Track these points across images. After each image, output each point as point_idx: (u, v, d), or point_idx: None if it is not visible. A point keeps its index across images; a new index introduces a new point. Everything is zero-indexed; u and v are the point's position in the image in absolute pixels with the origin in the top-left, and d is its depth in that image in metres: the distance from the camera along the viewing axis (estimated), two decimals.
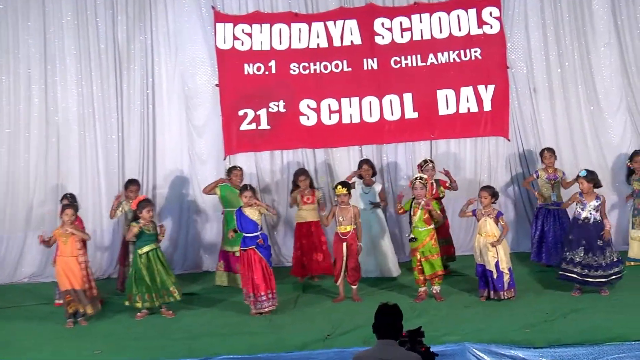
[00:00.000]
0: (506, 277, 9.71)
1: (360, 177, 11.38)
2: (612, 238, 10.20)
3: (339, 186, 10.20)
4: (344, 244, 10.14)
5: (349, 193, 10.25)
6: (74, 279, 9.71)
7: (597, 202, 9.78)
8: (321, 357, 8.23)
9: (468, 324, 8.86)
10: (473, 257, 10.25)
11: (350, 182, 10.85)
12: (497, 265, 9.71)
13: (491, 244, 9.72)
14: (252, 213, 9.81)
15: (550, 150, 11.51)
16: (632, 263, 11.01)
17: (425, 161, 11.19)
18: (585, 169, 10.03)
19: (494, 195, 10.06)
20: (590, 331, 8.34)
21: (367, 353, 5.86)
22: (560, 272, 9.88)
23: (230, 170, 11.46)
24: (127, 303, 9.93)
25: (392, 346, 5.73)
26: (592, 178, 9.80)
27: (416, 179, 10.09)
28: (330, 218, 10.30)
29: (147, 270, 9.84)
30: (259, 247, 9.73)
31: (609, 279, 9.72)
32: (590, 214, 9.78)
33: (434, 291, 10.02)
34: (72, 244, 9.76)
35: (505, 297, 9.69)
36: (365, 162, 11.49)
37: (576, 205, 9.94)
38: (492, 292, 9.77)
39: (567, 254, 9.83)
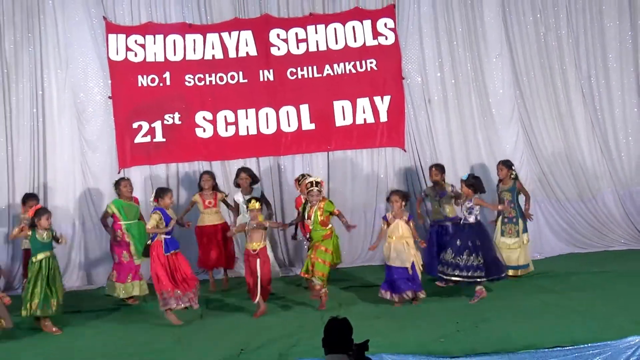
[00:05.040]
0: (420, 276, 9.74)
1: (238, 185, 11.04)
2: None
3: (253, 200, 9.71)
4: (257, 260, 9.60)
5: (262, 208, 9.85)
6: None
7: (469, 203, 9.72)
8: None
9: (383, 335, 8.48)
10: (369, 268, 10.76)
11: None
12: (413, 265, 9.62)
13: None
14: (173, 215, 9.67)
15: (438, 166, 11.08)
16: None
17: (302, 175, 10.88)
18: (468, 173, 10.08)
19: (405, 197, 9.89)
20: (504, 340, 8.21)
21: None
22: (440, 275, 9.94)
23: (119, 182, 10.85)
24: (24, 313, 9.26)
25: None
26: (470, 183, 9.73)
27: (311, 184, 9.83)
28: (239, 231, 9.86)
29: (43, 277, 9.33)
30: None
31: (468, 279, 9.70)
32: (464, 214, 9.78)
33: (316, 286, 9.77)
34: None
35: (423, 297, 9.65)
36: (243, 170, 11.11)
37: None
38: (410, 293, 9.63)
39: (448, 255, 9.78)
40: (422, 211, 11.45)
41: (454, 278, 9.67)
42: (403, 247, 9.62)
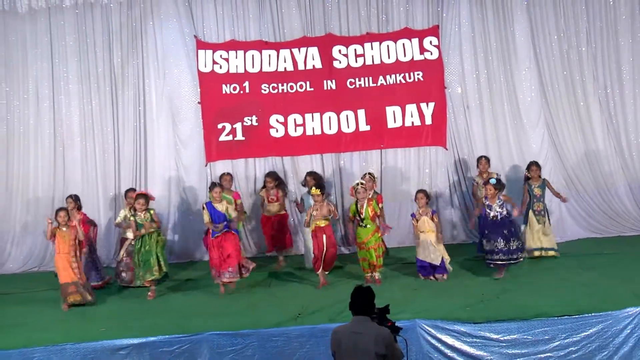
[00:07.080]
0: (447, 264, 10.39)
1: (304, 185, 11.64)
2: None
3: (314, 188, 10.40)
4: (324, 236, 10.29)
5: (323, 193, 10.47)
6: (71, 273, 9.92)
7: (499, 201, 10.26)
8: (295, 332, 8.46)
9: (417, 304, 9.06)
10: (414, 249, 10.70)
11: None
12: (442, 261, 10.33)
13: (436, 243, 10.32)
14: (220, 207, 10.33)
15: (487, 158, 11.65)
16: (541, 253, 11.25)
17: (364, 175, 11.25)
18: (495, 179, 10.54)
19: (428, 196, 10.60)
20: (520, 309, 8.68)
21: (345, 327, 5.99)
22: (488, 262, 10.32)
23: (221, 176, 11.73)
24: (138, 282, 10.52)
25: (366, 322, 5.90)
26: (499, 186, 10.37)
27: (357, 184, 10.37)
28: (309, 219, 10.36)
29: (136, 251, 10.31)
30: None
31: (511, 261, 10.20)
32: (497, 212, 10.24)
33: (376, 277, 10.34)
34: (69, 242, 9.91)
35: (445, 279, 10.25)
36: (309, 174, 11.67)
37: (482, 207, 10.47)
38: (435, 277, 10.29)
39: (489, 245, 10.23)
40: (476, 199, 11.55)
41: (510, 262, 10.04)
42: (429, 243, 10.17)
